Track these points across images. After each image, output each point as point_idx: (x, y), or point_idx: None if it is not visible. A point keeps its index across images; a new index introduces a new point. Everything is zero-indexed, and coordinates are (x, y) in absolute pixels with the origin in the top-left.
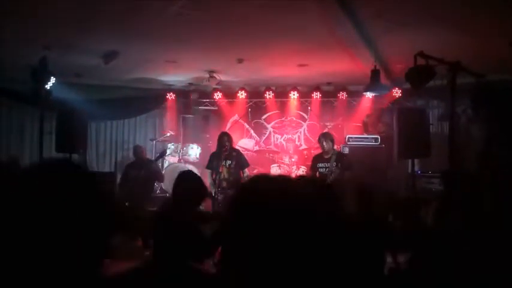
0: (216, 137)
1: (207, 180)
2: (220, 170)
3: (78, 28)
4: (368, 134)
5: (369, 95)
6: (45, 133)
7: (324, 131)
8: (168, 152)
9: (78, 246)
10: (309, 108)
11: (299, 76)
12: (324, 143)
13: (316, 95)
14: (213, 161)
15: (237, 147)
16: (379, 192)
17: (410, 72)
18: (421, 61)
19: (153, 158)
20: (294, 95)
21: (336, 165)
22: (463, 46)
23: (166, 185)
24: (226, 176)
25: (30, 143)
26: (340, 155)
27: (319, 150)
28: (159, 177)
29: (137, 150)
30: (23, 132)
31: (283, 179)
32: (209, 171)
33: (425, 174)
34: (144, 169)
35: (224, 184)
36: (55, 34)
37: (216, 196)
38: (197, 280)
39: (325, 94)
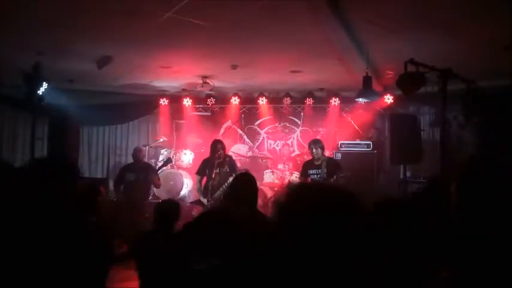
0: (209, 143)
1: (195, 185)
2: (213, 177)
3: (72, 33)
4: (360, 140)
5: (361, 101)
6: (37, 138)
7: (314, 138)
8: (161, 157)
9: None
10: (302, 114)
11: (292, 82)
12: (314, 150)
13: (309, 101)
14: (205, 167)
15: (230, 152)
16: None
17: (401, 79)
18: (412, 68)
19: (157, 166)
20: (286, 101)
21: (327, 172)
22: (453, 53)
23: (160, 191)
24: (218, 183)
25: (22, 148)
26: (331, 162)
27: (311, 157)
28: (157, 184)
29: (136, 153)
30: (14, 138)
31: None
32: (198, 176)
33: (417, 180)
34: (143, 173)
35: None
36: (48, 39)
37: (209, 203)
38: None
39: (317, 100)
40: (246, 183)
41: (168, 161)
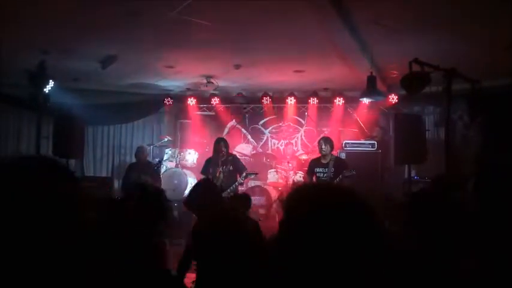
0: (213, 142)
1: None
2: (218, 175)
3: (76, 33)
4: (365, 139)
5: (366, 100)
6: (42, 137)
7: (325, 136)
8: (166, 157)
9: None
10: (306, 113)
11: (296, 82)
12: (323, 146)
13: (313, 101)
14: (209, 166)
15: (234, 152)
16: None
17: (405, 78)
18: (416, 67)
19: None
20: (291, 101)
21: (334, 171)
22: (458, 52)
23: (164, 189)
24: (223, 181)
25: (27, 147)
26: (338, 161)
27: (316, 155)
28: (158, 182)
29: (139, 152)
30: (20, 137)
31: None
32: (203, 176)
33: (422, 180)
34: (144, 172)
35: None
36: (53, 39)
37: None
38: None
39: (322, 100)
40: (204, 189)
41: (159, 162)
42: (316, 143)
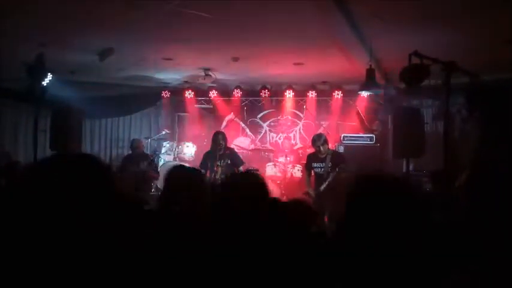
0: (211, 136)
1: None
2: (216, 169)
3: (74, 25)
4: (364, 132)
5: (364, 94)
6: (39, 130)
7: (316, 134)
8: (163, 150)
9: None
10: (305, 107)
11: (294, 75)
12: (321, 148)
13: (312, 94)
14: (206, 161)
15: (232, 145)
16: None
17: (404, 71)
18: (415, 60)
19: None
20: (289, 94)
21: (332, 165)
22: (457, 46)
23: (161, 183)
24: (221, 175)
25: (24, 140)
26: (336, 155)
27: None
28: (154, 176)
29: (134, 144)
30: (17, 130)
31: None
32: (202, 170)
33: (420, 173)
34: (142, 163)
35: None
36: (51, 31)
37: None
38: None
39: (320, 93)
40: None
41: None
42: (310, 143)
